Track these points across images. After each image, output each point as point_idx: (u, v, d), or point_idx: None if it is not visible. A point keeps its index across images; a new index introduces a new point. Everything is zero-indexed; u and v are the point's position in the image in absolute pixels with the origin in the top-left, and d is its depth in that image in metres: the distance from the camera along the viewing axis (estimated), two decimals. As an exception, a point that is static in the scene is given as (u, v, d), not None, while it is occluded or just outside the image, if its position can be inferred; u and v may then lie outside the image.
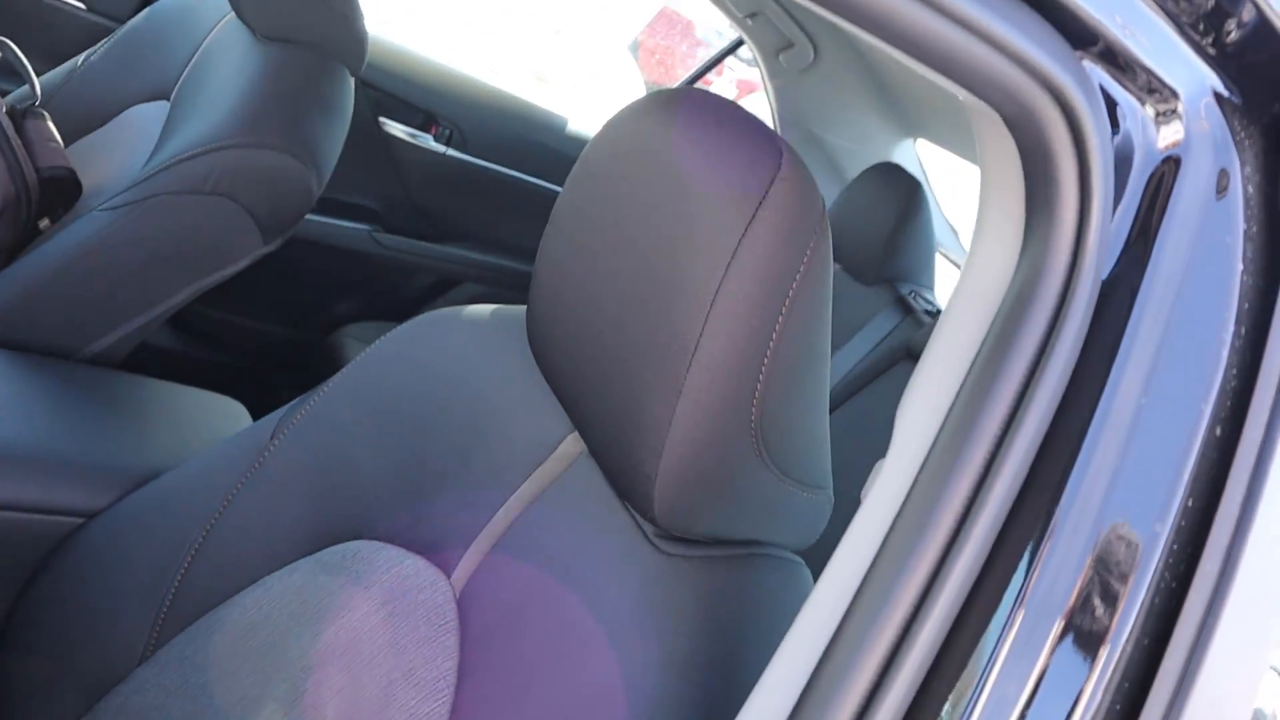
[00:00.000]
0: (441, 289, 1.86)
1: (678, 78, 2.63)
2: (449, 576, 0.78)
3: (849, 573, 0.50)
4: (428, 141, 1.74)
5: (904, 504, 0.48)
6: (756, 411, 0.61)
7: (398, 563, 0.79)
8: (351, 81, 1.27)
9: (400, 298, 1.86)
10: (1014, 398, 0.45)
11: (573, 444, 0.75)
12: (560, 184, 1.85)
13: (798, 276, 0.60)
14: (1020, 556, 0.43)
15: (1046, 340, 0.45)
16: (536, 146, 1.84)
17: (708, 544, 0.67)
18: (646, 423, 0.63)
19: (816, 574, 0.73)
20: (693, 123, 0.63)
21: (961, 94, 0.46)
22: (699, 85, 2.01)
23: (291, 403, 0.94)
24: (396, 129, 1.71)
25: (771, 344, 0.60)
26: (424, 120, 1.76)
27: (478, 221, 1.84)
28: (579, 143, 1.88)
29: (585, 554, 0.69)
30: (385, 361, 0.90)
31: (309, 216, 1.68)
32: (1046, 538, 0.43)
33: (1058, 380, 0.44)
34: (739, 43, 1.96)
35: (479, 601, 0.75)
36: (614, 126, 0.69)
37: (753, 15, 1.71)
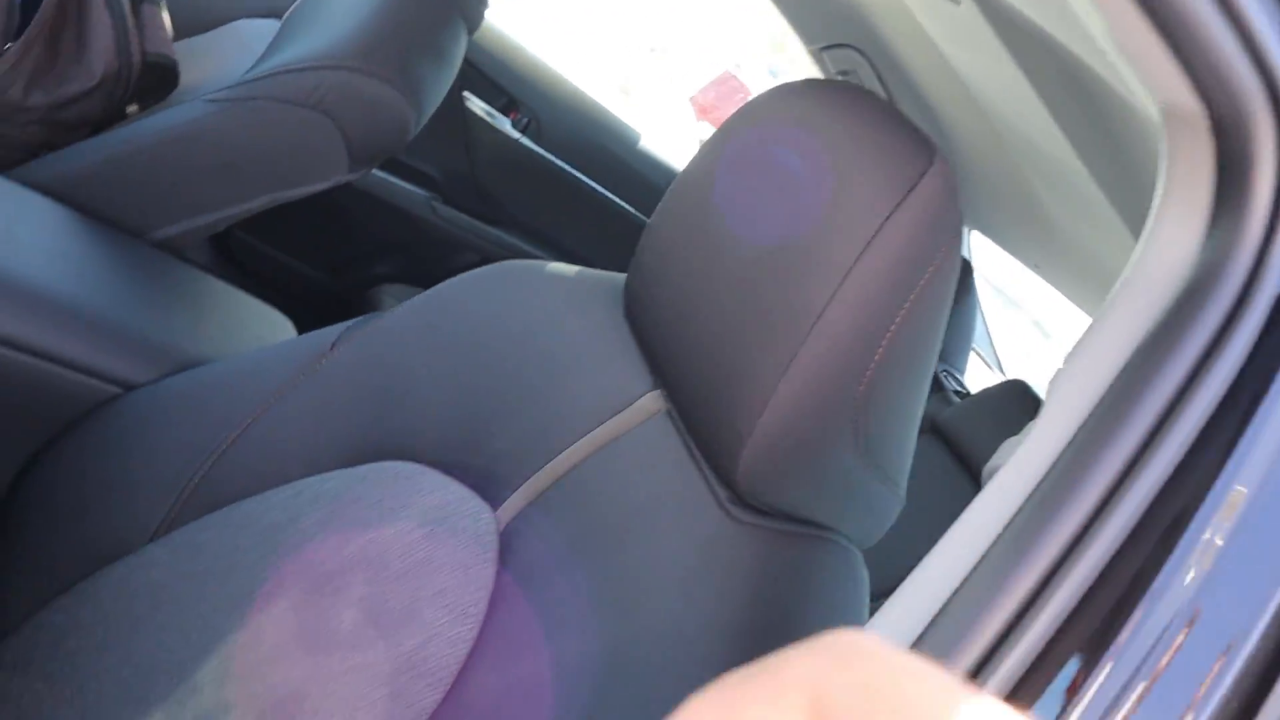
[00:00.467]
0: (482, 273, 1.86)
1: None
2: (495, 510, 0.77)
3: (972, 539, 0.49)
4: (505, 125, 1.75)
5: (1041, 481, 0.48)
6: (863, 390, 0.61)
7: (442, 488, 0.79)
8: (465, 39, 1.28)
9: (442, 270, 1.85)
10: (1177, 389, 0.45)
11: (653, 401, 0.74)
12: (621, 195, 1.86)
13: (930, 269, 0.60)
14: (1156, 552, 0.42)
15: (1216, 339, 0.45)
16: (606, 154, 1.85)
17: (779, 518, 0.67)
18: (751, 381, 0.62)
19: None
20: (852, 108, 0.64)
21: (1169, 88, 0.47)
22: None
23: (358, 318, 0.93)
24: (478, 106, 1.72)
25: (893, 327, 0.60)
26: (506, 104, 1.77)
27: (534, 214, 1.85)
28: (646, 159, 1.89)
29: (649, 506, 0.69)
30: (463, 295, 0.90)
31: (374, 171, 1.69)
32: (1183, 538, 0.42)
33: (1223, 378, 0.44)
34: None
35: (524, 537, 0.74)
36: (770, 100, 0.69)
37: (845, 73, 1.74)
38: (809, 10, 1.64)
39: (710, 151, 0.71)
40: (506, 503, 0.76)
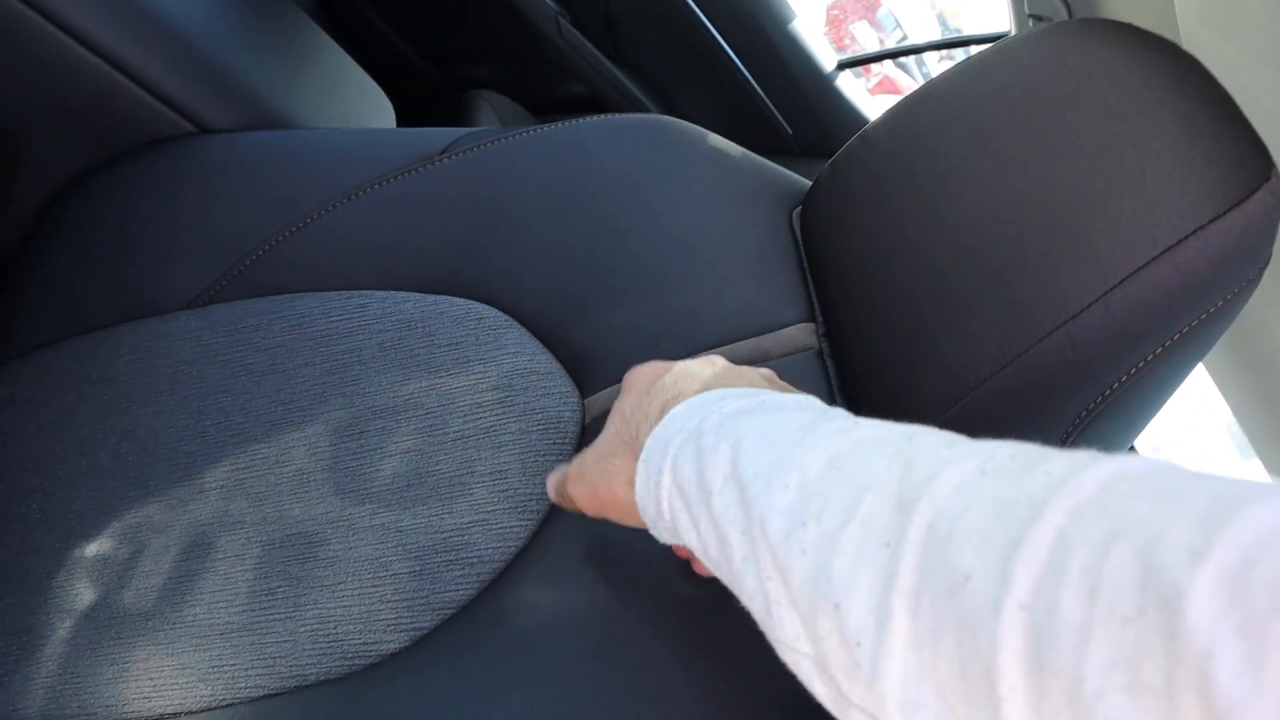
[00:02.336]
0: (585, 107, 1.72)
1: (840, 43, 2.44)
2: (583, 398, 0.66)
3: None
4: (661, -44, 1.58)
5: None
6: (1084, 418, 0.50)
7: (528, 351, 0.68)
8: None
9: (543, 92, 1.72)
10: None
11: (802, 334, 0.63)
12: (753, 72, 1.71)
13: (1220, 302, 0.48)
14: None
15: None
16: (753, 24, 1.69)
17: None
18: (957, 363, 0.51)
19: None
20: (1190, 83, 0.51)
21: None
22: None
23: (476, 129, 0.81)
24: (642, -71, 1.55)
25: (1151, 356, 0.49)
26: (672, -69, 1.60)
27: (657, 63, 1.71)
28: (792, 43, 1.73)
29: None
30: (604, 139, 0.77)
31: (511, -33, 1.54)
32: None
33: None
34: (953, 43, 1.80)
35: (611, 441, 0.63)
36: (1079, 35, 0.56)
37: (1037, 18, 1.57)
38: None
39: (989, 67, 0.58)
40: (598, 395, 0.66)
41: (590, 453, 0.49)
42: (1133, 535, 0.24)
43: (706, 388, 0.45)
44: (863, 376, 0.57)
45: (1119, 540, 0.24)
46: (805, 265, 0.67)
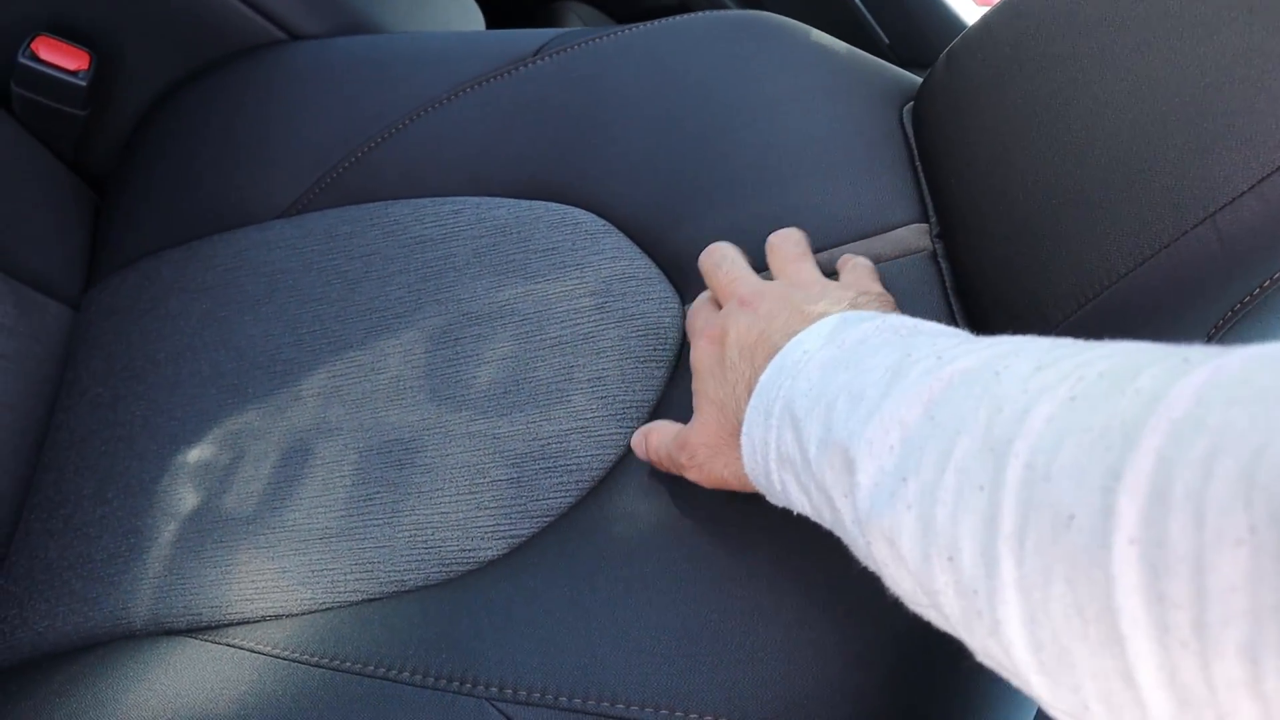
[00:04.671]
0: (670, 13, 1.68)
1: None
2: (684, 303, 0.64)
3: None
4: None
5: None
6: (1225, 324, 0.46)
7: (626, 256, 0.66)
8: None
9: (635, 4, 1.67)
10: None
11: (916, 235, 0.59)
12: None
13: None
14: None
15: None
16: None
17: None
18: (1087, 259, 0.47)
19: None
20: None
21: None
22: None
23: (568, 29, 0.78)
24: None
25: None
26: None
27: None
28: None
29: None
30: (700, 36, 0.73)
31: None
32: None
33: None
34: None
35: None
36: None
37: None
38: None
39: None
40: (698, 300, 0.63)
41: (694, 437, 0.50)
42: (1233, 451, 0.23)
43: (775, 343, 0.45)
44: (981, 277, 0.54)
45: (1220, 458, 0.23)
46: (918, 163, 0.63)
